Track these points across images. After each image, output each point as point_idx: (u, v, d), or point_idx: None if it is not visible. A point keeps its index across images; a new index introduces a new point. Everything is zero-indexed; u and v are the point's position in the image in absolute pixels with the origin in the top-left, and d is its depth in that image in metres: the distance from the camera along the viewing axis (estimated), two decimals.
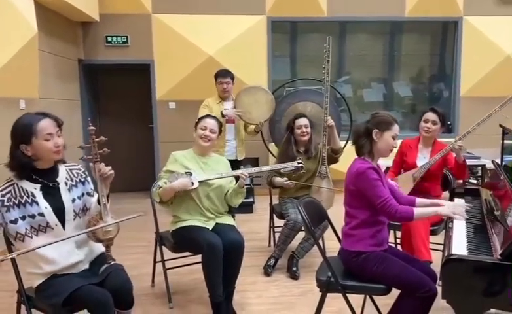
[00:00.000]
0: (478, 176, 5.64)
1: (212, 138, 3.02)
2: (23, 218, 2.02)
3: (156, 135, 6.59)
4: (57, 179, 2.15)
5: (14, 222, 2.02)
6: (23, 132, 2.00)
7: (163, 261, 3.15)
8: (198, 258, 2.84)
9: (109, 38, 6.33)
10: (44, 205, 2.05)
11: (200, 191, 2.94)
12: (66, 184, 2.17)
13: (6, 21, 4.03)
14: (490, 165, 5.07)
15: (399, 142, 3.65)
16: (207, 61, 6.20)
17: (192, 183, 2.87)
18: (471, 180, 5.68)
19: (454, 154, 3.21)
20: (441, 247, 3.34)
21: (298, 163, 3.34)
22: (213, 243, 2.72)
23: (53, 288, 2.05)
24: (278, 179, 3.73)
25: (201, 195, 2.96)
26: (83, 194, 2.24)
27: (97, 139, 2.09)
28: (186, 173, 2.92)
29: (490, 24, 6.72)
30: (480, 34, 6.73)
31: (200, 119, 3.11)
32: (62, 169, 2.20)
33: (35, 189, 2.06)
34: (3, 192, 2.02)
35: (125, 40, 6.35)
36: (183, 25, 6.29)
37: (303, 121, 3.78)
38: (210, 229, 2.92)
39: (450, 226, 2.34)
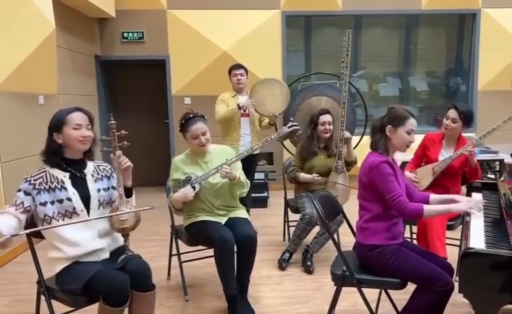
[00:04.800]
0: (497, 171, 5.55)
1: (208, 139, 2.92)
2: (52, 202, 2.17)
3: (172, 131, 6.63)
4: (85, 171, 2.31)
5: (44, 204, 2.16)
6: (56, 121, 2.22)
7: (179, 254, 3.19)
8: (213, 251, 2.86)
9: (125, 34, 6.39)
10: (72, 191, 2.21)
11: (206, 193, 2.92)
12: (92, 176, 2.32)
13: (25, 18, 4.10)
14: (508, 160, 4.99)
15: (417, 137, 3.62)
16: (222, 56, 6.22)
17: (194, 188, 2.85)
18: (488, 175, 5.59)
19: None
20: (458, 242, 3.32)
21: (289, 126, 3.10)
22: (225, 238, 2.73)
23: (74, 273, 2.13)
24: (304, 175, 3.71)
25: (209, 197, 2.95)
26: (108, 188, 2.37)
27: (117, 133, 2.23)
28: (186, 178, 2.90)
29: (509, 16, 6.59)
30: (499, 27, 6.60)
31: (184, 127, 2.91)
32: (90, 164, 2.36)
33: (64, 177, 2.22)
34: (35, 177, 2.18)
35: (141, 36, 6.40)
36: (198, 21, 6.32)
37: (328, 117, 3.74)
38: (223, 223, 2.93)
39: (468, 220, 2.31)
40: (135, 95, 6.87)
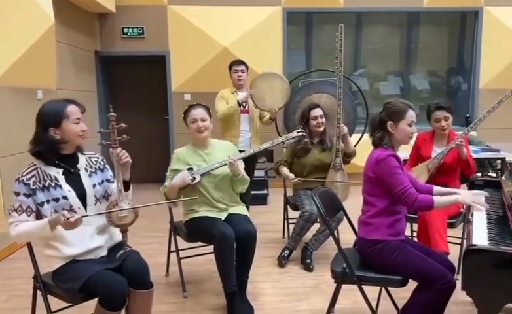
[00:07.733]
0: (498, 170, 5.52)
1: (207, 126, 2.97)
2: (47, 201, 2.06)
3: (172, 127, 6.61)
4: (78, 166, 2.20)
5: (41, 204, 2.05)
6: (53, 115, 2.06)
7: (177, 251, 3.16)
8: (212, 248, 2.84)
9: (125, 30, 6.36)
10: (67, 189, 2.10)
11: (206, 183, 2.92)
12: (86, 170, 2.22)
13: (24, 12, 4.07)
14: (510, 158, 4.96)
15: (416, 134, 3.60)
16: (222, 53, 6.19)
17: (194, 178, 2.84)
18: (490, 174, 5.57)
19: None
20: (459, 240, 3.30)
21: (298, 132, 3.22)
22: (225, 233, 2.70)
23: (71, 272, 2.08)
24: (285, 172, 3.69)
25: (209, 188, 2.94)
26: (103, 181, 2.28)
27: (116, 126, 2.15)
28: (187, 169, 2.90)
29: (511, 14, 6.55)
30: (501, 25, 6.57)
31: (186, 112, 3.04)
32: (82, 157, 2.25)
33: (57, 173, 2.11)
34: (28, 176, 2.04)
35: (141, 31, 6.37)
36: (199, 17, 6.29)
37: (318, 111, 3.73)
38: (222, 219, 2.91)
39: (470, 217, 2.28)
40: (135, 91, 6.84)
